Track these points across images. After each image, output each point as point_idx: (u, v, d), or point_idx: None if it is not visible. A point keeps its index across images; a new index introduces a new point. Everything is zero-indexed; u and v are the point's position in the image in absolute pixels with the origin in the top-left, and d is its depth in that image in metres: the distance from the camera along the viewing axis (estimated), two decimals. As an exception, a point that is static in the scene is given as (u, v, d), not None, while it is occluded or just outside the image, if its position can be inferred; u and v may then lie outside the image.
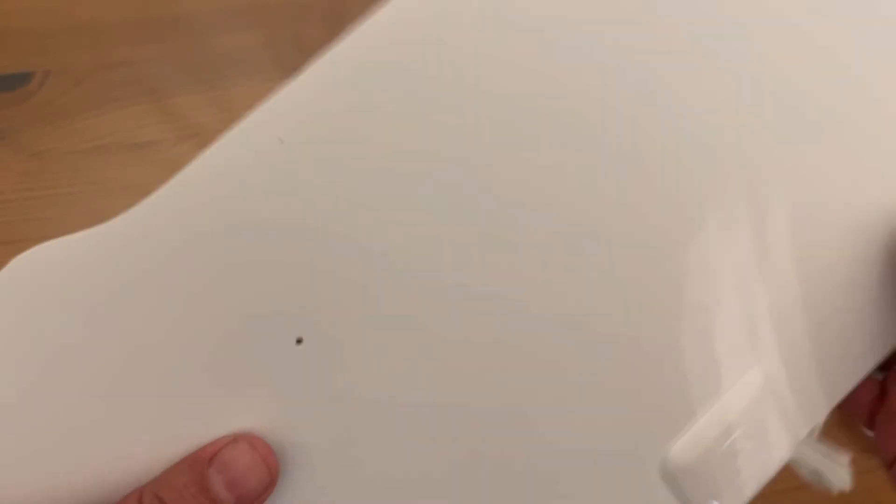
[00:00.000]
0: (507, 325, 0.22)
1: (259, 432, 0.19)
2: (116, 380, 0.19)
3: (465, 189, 0.21)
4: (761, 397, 0.23)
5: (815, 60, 0.24)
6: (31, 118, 0.35)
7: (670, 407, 0.23)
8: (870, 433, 0.28)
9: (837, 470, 0.27)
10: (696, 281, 0.23)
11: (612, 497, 0.23)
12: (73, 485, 0.19)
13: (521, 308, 0.22)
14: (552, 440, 0.22)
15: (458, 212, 0.21)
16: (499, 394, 0.22)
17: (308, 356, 0.20)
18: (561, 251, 0.22)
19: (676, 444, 0.23)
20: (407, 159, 0.21)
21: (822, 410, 0.25)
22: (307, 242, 0.20)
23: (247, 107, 0.20)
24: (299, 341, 0.20)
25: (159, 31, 0.36)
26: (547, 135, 0.22)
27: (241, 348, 0.20)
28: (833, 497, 0.28)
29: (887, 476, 0.26)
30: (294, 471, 0.20)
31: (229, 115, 0.23)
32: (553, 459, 0.22)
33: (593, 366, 0.22)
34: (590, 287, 0.22)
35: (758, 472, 0.23)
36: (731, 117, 0.23)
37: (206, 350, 0.20)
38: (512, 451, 0.22)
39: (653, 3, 0.22)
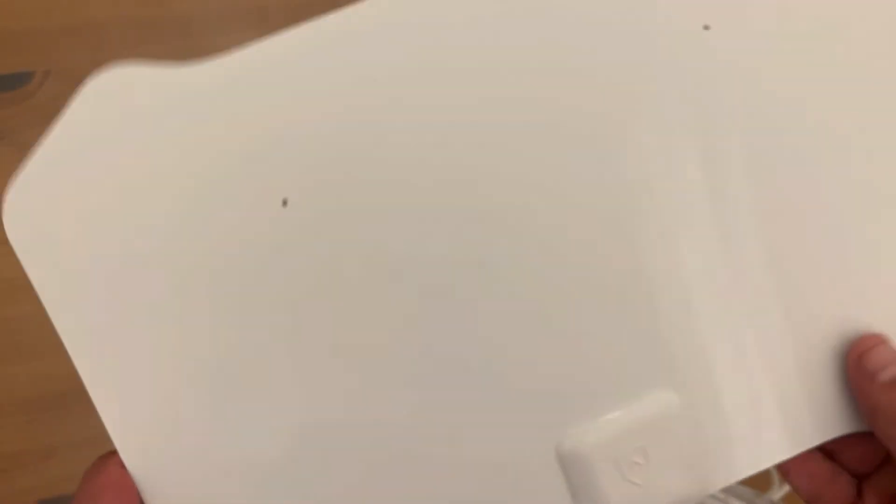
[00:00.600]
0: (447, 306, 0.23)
1: None
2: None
3: None
4: (673, 422, 0.24)
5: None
6: (31, 118, 0.35)
7: (584, 396, 0.24)
8: None
9: None
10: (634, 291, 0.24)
11: (511, 463, 0.24)
12: None
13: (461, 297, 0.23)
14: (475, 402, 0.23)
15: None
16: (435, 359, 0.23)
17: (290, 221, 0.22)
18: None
19: (577, 428, 0.23)
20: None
21: (736, 474, 0.25)
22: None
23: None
24: (285, 203, 0.22)
25: (159, 32, 0.36)
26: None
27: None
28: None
29: None
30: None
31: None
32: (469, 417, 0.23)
33: (519, 339, 0.23)
34: (536, 263, 0.23)
35: (655, 496, 0.24)
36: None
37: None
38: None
39: None
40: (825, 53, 0.24)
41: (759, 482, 0.35)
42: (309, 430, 0.23)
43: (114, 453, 0.23)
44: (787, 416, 0.25)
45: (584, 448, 0.23)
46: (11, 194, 0.21)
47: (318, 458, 0.23)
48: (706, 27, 0.24)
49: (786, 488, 0.36)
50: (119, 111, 0.21)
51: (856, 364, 0.24)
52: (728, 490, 0.32)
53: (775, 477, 0.36)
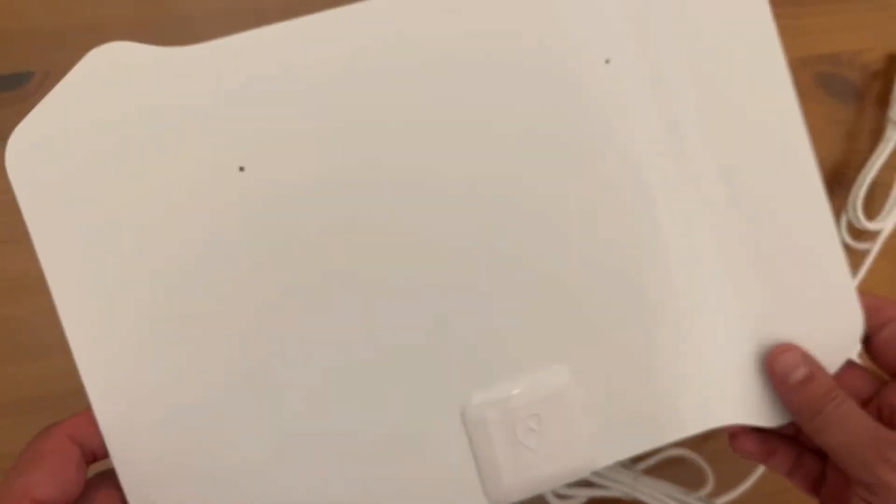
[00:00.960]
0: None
1: None
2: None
3: None
4: (565, 398, 0.27)
5: None
6: (31, 118, 0.35)
7: (488, 366, 0.27)
8: None
9: None
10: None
11: (423, 425, 0.27)
12: None
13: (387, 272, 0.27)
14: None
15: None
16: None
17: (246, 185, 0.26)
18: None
19: (480, 395, 0.27)
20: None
21: (625, 452, 0.28)
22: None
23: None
24: (242, 169, 0.26)
25: (160, 33, 0.36)
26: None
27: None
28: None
29: None
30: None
31: (226, 118, 0.23)
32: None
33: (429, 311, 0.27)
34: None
35: (546, 461, 0.27)
36: None
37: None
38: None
39: None
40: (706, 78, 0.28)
41: (693, 482, 0.37)
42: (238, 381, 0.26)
43: (59, 423, 0.25)
44: (677, 403, 0.28)
45: (485, 412, 0.27)
46: (13, 139, 0.26)
47: (245, 417, 0.26)
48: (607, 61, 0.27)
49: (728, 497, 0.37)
50: (112, 80, 0.26)
51: (770, 370, 0.28)
52: (654, 487, 0.34)
53: (710, 475, 0.37)
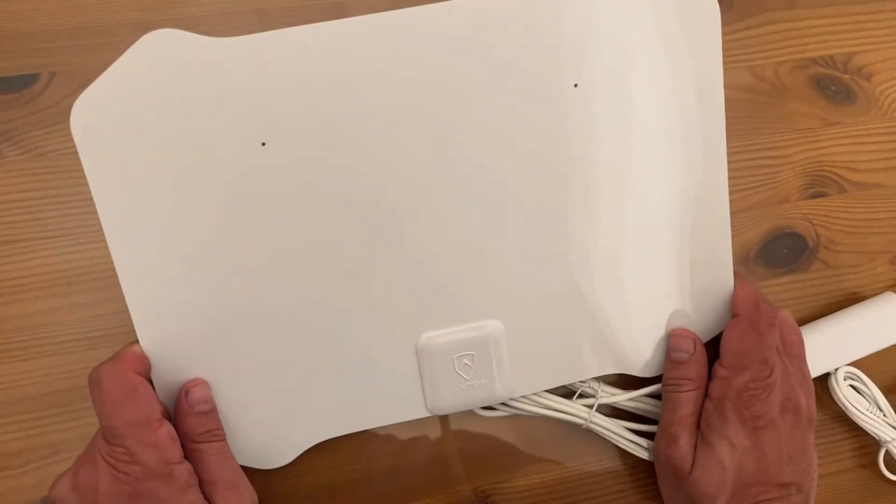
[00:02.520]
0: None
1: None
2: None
3: None
4: (496, 342, 0.36)
5: None
6: (36, 119, 0.36)
7: (440, 312, 0.36)
8: None
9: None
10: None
11: (384, 354, 0.36)
12: None
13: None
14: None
15: None
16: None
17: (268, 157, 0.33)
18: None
19: (431, 334, 0.36)
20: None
21: (533, 388, 0.38)
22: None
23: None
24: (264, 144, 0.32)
25: (163, 34, 0.36)
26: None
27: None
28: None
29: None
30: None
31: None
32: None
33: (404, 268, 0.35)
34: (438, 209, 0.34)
35: (474, 389, 0.36)
36: None
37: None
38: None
39: None
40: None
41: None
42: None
43: (119, 365, 0.32)
44: (579, 357, 0.37)
45: (433, 348, 0.36)
46: (79, 102, 0.30)
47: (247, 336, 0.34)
48: (576, 85, 0.34)
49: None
50: (162, 61, 0.31)
51: (669, 340, 0.37)
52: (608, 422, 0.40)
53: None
